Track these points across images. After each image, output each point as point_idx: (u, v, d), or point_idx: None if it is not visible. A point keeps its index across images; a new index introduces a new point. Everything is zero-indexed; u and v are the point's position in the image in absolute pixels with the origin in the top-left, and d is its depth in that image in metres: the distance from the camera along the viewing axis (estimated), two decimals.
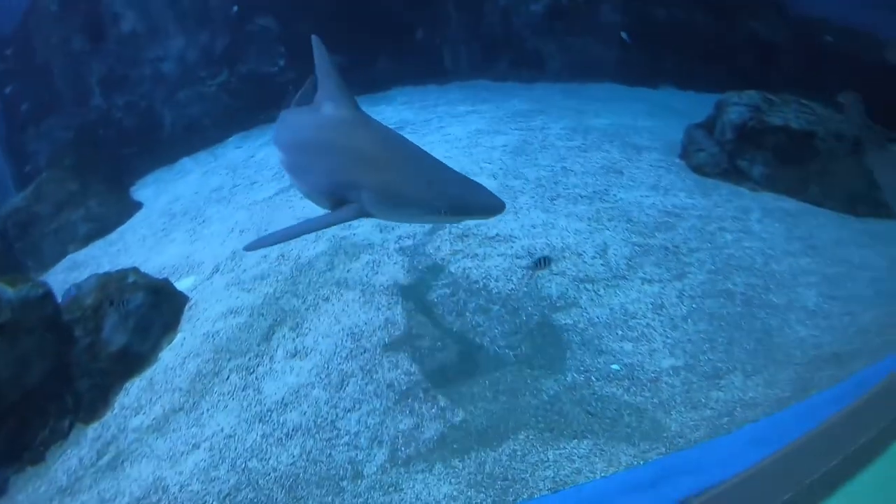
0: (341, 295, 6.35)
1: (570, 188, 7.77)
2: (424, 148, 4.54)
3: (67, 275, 8.82)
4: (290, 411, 5.14)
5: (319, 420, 4.99)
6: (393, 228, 7.10)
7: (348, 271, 6.66)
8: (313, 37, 4.97)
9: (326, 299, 6.34)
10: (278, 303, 6.45)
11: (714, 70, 12.28)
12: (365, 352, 5.57)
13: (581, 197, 7.57)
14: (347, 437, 4.79)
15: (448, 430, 4.70)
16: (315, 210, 4.99)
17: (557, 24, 14.46)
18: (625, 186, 7.83)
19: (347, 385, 5.26)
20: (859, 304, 5.59)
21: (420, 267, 6.54)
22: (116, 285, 6.45)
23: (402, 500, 4.24)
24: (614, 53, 13.99)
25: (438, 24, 15.00)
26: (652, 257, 6.38)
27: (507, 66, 14.78)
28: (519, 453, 4.42)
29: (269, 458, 4.76)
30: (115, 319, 6.23)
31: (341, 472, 4.52)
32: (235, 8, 13.14)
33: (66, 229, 10.02)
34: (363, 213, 4.40)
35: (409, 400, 5.01)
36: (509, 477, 4.25)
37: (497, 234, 6.75)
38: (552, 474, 4.22)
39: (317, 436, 4.86)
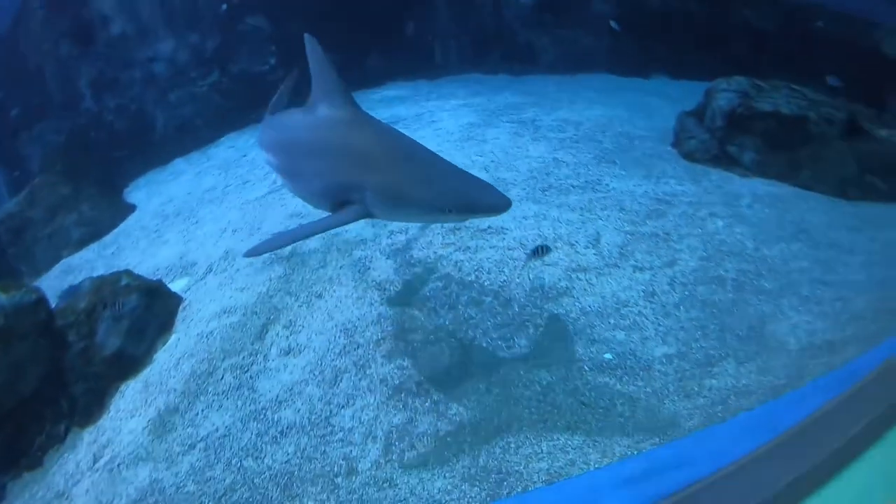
0: (334, 291, 6.35)
1: (562, 179, 7.77)
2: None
3: (62, 279, 8.81)
4: (285, 409, 5.14)
5: (313, 417, 4.99)
6: (385, 224, 7.09)
7: (341, 268, 6.66)
8: (306, 35, 4.83)
9: (319, 296, 6.34)
10: (272, 301, 6.44)
11: (706, 58, 12.21)
12: (358, 347, 5.57)
13: (573, 187, 7.57)
14: (341, 434, 4.78)
15: (441, 424, 4.69)
16: (309, 210, 4.97)
17: (548, 17, 14.46)
18: (617, 176, 7.83)
19: (341, 381, 5.26)
20: (852, 290, 5.58)
21: (412, 261, 6.53)
22: (110, 288, 6.44)
23: (397, 495, 4.23)
24: (606, 44, 13.99)
25: (429, 19, 14.99)
26: (643, 245, 6.38)
27: (499, 60, 14.78)
28: (513, 445, 4.41)
29: (264, 457, 4.76)
30: (109, 323, 6.22)
31: (336, 468, 4.52)
32: (224, 6, 13.11)
33: (59, 234, 10.00)
34: (366, 214, 4.34)
35: (403, 394, 5.01)
36: (503, 470, 4.24)
37: (489, 227, 6.74)
38: (546, 466, 4.21)
39: (311, 433, 4.85)
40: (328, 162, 4.67)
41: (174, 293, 7.00)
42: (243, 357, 5.83)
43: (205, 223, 8.81)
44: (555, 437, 4.43)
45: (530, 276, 6.04)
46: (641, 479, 3.04)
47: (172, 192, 10.74)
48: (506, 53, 14.78)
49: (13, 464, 5.61)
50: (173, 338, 6.47)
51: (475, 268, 6.25)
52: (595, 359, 5.07)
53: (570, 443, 4.37)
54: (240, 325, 6.23)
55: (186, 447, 5.08)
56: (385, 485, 4.32)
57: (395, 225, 7.04)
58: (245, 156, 11.11)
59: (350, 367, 5.38)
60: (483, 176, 7.41)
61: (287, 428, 4.95)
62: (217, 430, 5.14)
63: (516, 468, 4.24)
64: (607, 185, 7.58)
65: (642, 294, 5.73)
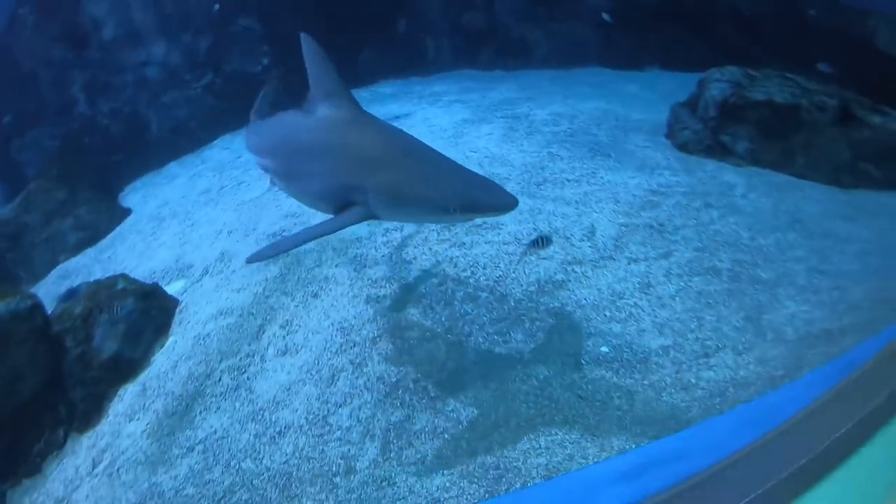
0: (330, 290, 6.35)
1: (556, 173, 7.76)
2: None
3: (59, 284, 8.80)
4: (282, 409, 5.14)
5: (311, 416, 4.98)
6: (380, 222, 7.06)
7: (336, 266, 6.65)
8: (303, 35, 4.67)
9: (315, 295, 6.33)
10: (268, 301, 6.44)
11: (700, 49, 12.24)
12: (355, 346, 5.57)
13: (568, 181, 7.56)
14: (339, 433, 4.78)
15: (439, 421, 4.68)
16: (304, 210, 4.94)
17: (542, 10, 14.46)
18: (611, 168, 7.82)
19: (338, 380, 5.26)
20: (848, 279, 5.56)
21: (408, 258, 6.53)
22: (106, 293, 6.43)
23: (396, 493, 4.23)
24: (600, 37, 13.98)
25: (421, 15, 14.99)
26: (638, 237, 6.37)
27: (493, 55, 14.78)
28: (510, 441, 4.40)
29: (263, 458, 4.75)
30: (106, 327, 6.22)
31: (334, 468, 4.51)
32: (217, 6, 13.09)
33: (56, 239, 9.99)
34: (369, 216, 4.27)
35: (400, 392, 5.00)
36: (501, 466, 4.24)
37: (484, 222, 6.73)
38: (545, 461, 4.21)
39: (309, 432, 4.85)
40: (330, 163, 4.57)
41: (170, 296, 6.99)
42: (240, 358, 5.82)
43: (200, 225, 8.81)
44: (553, 432, 4.42)
45: (526, 270, 6.04)
46: (639, 473, 3.02)
47: (168, 194, 10.73)
48: (499, 48, 14.77)
49: (12, 471, 5.61)
50: (170, 340, 6.46)
51: (471, 263, 6.25)
52: (592, 352, 5.06)
53: (568, 437, 4.36)
54: (236, 326, 6.23)
55: (185, 450, 5.08)
56: (384, 483, 4.31)
57: (390, 223, 7.02)
58: (240, 157, 11.09)
59: (347, 366, 5.37)
60: (477, 171, 7.42)
61: (285, 428, 4.95)
62: (215, 432, 5.14)
63: (514, 464, 4.23)
64: (602, 177, 7.57)
65: (638, 286, 5.73)
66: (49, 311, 6.30)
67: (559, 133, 9.05)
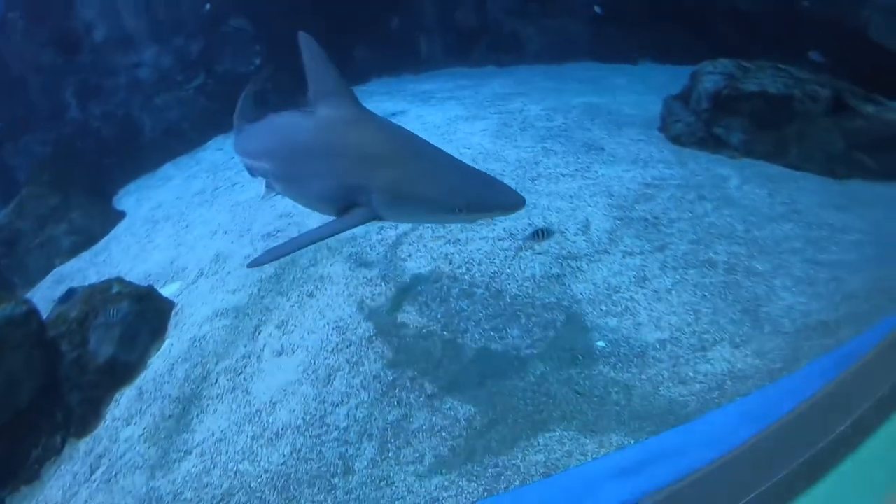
0: (325, 289, 6.33)
1: (550, 168, 7.75)
2: None
3: (54, 289, 8.76)
4: (279, 410, 5.12)
5: (308, 417, 4.96)
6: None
7: (331, 265, 6.63)
8: (301, 34, 4.53)
9: (311, 295, 6.31)
10: (263, 302, 6.42)
11: (693, 42, 12.21)
12: (350, 345, 5.55)
13: (563, 175, 7.55)
14: (337, 433, 4.76)
15: (437, 419, 4.67)
16: (299, 209, 4.90)
17: (533, 6, 14.45)
18: (606, 162, 7.81)
19: (335, 379, 5.24)
20: (845, 269, 5.53)
21: (403, 256, 6.51)
22: (101, 296, 6.42)
23: (394, 493, 4.21)
24: (592, 32, 13.98)
25: (413, 13, 14.97)
26: (632, 230, 6.35)
27: (485, 52, 14.78)
28: (508, 438, 4.39)
29: (260, 460, 4.73)
30: (101, 331, 6.20)
31: (332, 468, 4.49)
32: (208, 6, 13.05)
33: (50, 243, 9.97)
34: (373, 217, 4.17)
35: (397, 390, 4.98)
36: (500, 463, 4.22)
37: None
38: (543, 458, 4.19)
39: (306, 433, 4.83)
40: (332, 164, 4.42)
41: (166, 298, 6.97)
42: (237, 360, 5.81)
43: (195, 226, 8.79)
44: (551, 428, 4.40)
45: (521, 266, 6.02)
46: (639, 469, 3.01)
47: (162, 196, 10.71)
48: (491, 45, 14.77)
49: (10, 478, 5.59)
50: (166, 343, 6.45)
51: (466, 260, 6.23)
52: (588, 347, 5.04)
53: (566, 434, 4.34)
54: (232, 327, 6.22)
55: (182, 453, 5.06)
56: (382, 483, 4.30)
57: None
58: (233, 158, 11.00)
59: (343, 365, 5.35)
60: None
61: (282, 429, 4.93)
62: (213, 434, 5.12)
63: (513, 461, 4.21)
64: (596, 171, 7.56)
65: (633, 279, 5.71)
66: (45, 316, 6.28)
67: (553, 128, 9.04)
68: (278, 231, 7.61)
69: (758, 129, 7.71)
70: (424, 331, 5.52)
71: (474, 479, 4.15)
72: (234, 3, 13.46)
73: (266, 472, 4.62)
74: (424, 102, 11.53)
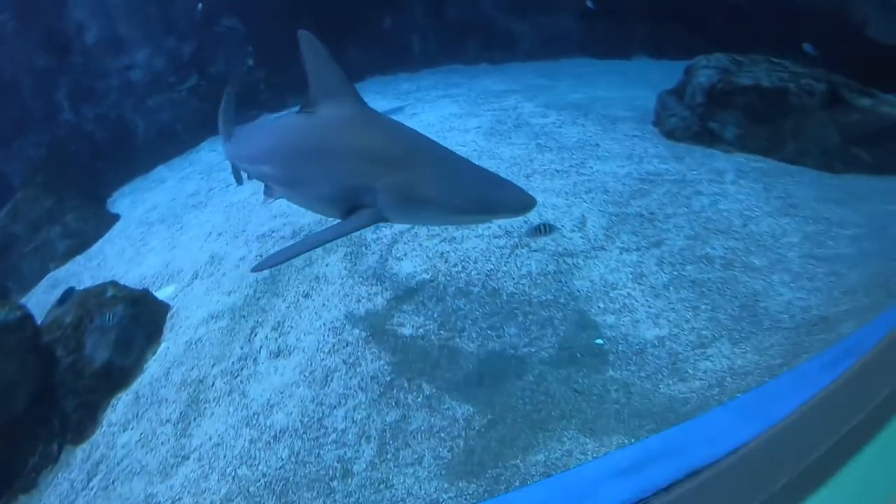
0: (321, 290, 6.30)
1: (545, 164, 7.72)
2: None
3: (49, 293, 8.72)
4: (277, 412, 5.09)
5: (306, 419, 4.93)
6: None
7: (327, 265, 6.60)
8: (301, 32, 4.40)
9: (307, 295, 6.28)
10: (259, 303, 6.39)
11: (687, 37, 12.19)
12: (347, 345, 5.52)
13: (557, 172, 7.52)
14: (335, 435, 4.73)
15: (435, 420, 4.64)
16: (293, 209, 4.86)
17: (527, 3, 14.41)
18: (600, 158, 7.78)
19: (332, 381, 5.21)
20: (843, 264, 5.50)
21: (398, 255, 6.48)
22: (95, 301, 6.39)
23: (394, 496, 4.18)
24: (586, 27, 13.96)
25: (407, 12, 14.95)
26: (629, 226, 6.33)
27: (479, 49, 14.78)
28: (508, 438, 4.36)
29: (259, 464, 4.71)
30: (97, 335, 6.18)
31: (331, 471, 4.46)
32: (200, 6, 13.00)
33: (44, 248, 9.93)
34: (379, 218, 4.09)
35: (395, 391, 4.95)
36: (500, 464, 4.19)
37: None
38: (543, 458, 4.16)
39: (304, 436, 4.80)
40: (336, 165, 4.31)
41: (161, 301, 6.94)
42: (233, 362, 5.78)
43: (189, 228, 8.75)
44: (550, 428, 4.38)
45: (518, 263, 6.00)
46: (639, 468, 2.98)
47: (156, 199, 10.66)
48: (485, 42, 14.77)
49: (7, 486, 5.57)
50: (162, 347, 6.42)
51: (461, 258, 6.20)
52: (586, 345, 5.02)
53: (565, 433, 4.31)
54: (228, 329, 6.19)
55: (180, 458, 5.04)
56: (381, 486, 4.27)
57: None
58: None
59: (340, 366, 5.32)
60: None
61: (280, 432, 4.90)
62: (210, 438, 5.09)
63: (513, 461, 4.19)
64: (591, 167, 7.53)
65: (631, 276, 5.68)
66: (40, 321, 6.25)
67: (547, 125, 9.01)
68: (273, 232, 7.57)
69: (752, 124, 7.68)
70: (421, 330, 5.49)
71: (474, 480, 4.13)
72: (226, 2, 13.41)
73: (264, 475, 4.59)
74: (418, 101, 11.51)
